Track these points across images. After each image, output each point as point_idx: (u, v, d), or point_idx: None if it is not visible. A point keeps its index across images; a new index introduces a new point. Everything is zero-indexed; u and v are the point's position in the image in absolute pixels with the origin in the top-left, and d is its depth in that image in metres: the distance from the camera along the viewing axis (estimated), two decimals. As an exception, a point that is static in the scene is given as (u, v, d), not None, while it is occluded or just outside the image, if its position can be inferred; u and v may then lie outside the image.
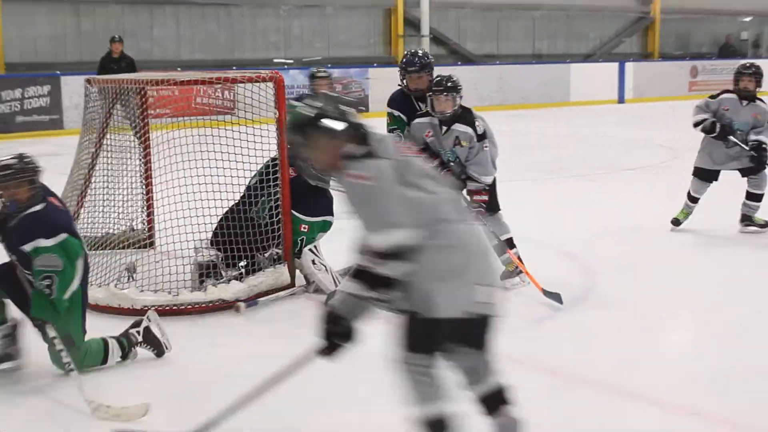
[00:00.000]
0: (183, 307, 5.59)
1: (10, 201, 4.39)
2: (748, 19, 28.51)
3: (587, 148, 13.28)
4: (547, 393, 4.62)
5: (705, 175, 8.09)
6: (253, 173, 6.24)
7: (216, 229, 6.11)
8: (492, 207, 6.41)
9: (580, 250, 7.37)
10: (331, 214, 6.26)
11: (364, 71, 18.65)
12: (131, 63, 13.20)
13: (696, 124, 8.01)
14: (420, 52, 6.65)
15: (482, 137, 6.22)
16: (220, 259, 5.98)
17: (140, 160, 6.62)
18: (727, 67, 25.35)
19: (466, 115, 6.27)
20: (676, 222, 8.20)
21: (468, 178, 6.23)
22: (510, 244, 6.45)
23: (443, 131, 6.22)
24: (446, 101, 6.15)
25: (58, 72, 15.46)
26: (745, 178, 8.11)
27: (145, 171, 6.65)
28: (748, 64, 8.28)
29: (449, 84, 6.18)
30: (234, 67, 16.25)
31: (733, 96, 7.96)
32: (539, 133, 16.13)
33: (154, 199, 6.55)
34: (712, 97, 8.10)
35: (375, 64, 19.29)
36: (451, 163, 6.26)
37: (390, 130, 6.40)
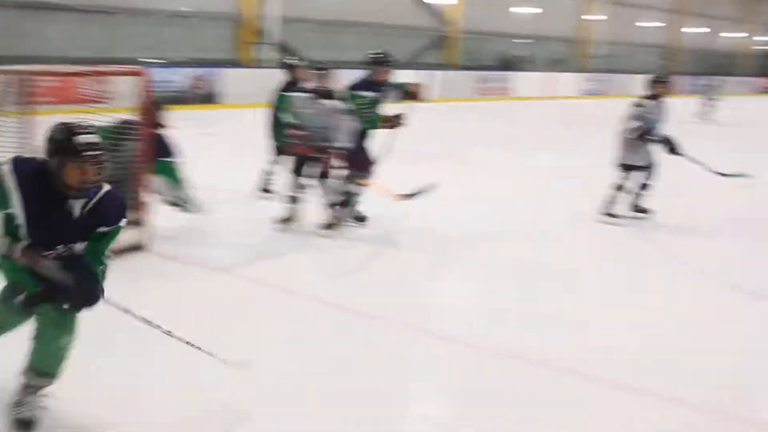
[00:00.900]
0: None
1: (88, 182, 3.18)
2: (525, 41, 30.27)
3: (400, 138, 13.66)
4: (356, 331, 4.78)
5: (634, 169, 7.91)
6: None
7: None
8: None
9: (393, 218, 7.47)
10: None
11: (218, 71, 19.10)
12: None
13: (632, 132, 7.79)
14: (384, 51, 7.20)
15: (346, 112, 6.78)
16: None
17: (23, 140, 6.13)
18: (507, 77, 27.27)
19: (335, 94, 6.84)
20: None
21: (326, 142, 6.65)
22: (344, 203, 6.95)
23: (319, 103, 6.71)
24: (324, 78, 6.93)
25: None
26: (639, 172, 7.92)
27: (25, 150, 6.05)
28: (660, 75, 8.22)
29: (325, 66, 7.12)
30: (112, 65, 16.60)
31: (653, 101, 7.88)
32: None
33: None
34: (639, 105, 7.89)
35: (229, 66, 19.83)
36: (317, 130, 6.67)
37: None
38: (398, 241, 6.99)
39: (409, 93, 7.06)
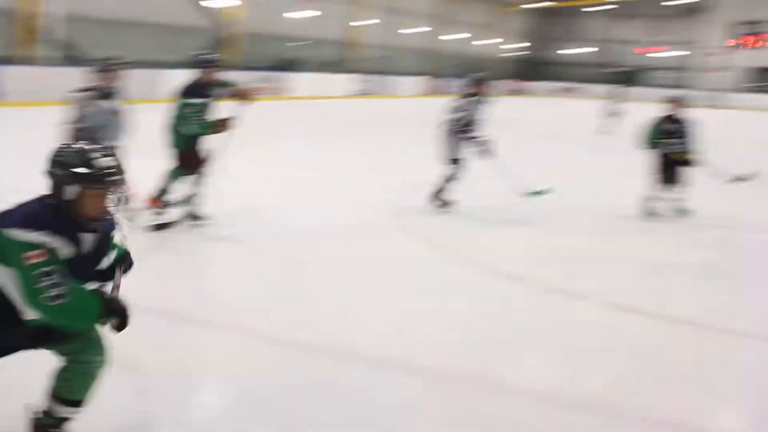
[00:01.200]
0: None
1: (107, 212, 2.79)
2: (301, 43, 31.02)
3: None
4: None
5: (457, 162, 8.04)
6: None
7: None
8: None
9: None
10: None
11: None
12: None
13: (454, 123, 7.94)
14: (209, 53, 7.07)
15: (121, 112, 6.78)
16: None
17: None
18: (283, 78, 27.68)
19: (114, 93, 6.78)
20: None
21: (103, 138, 6.41)
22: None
23: (101, 102, 6.58)
24: (113, 77, 6.67)
25: None
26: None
27: None
28: (479, 75, 8.21)
29: (115, 65, 6.72)
30: None
31: (472, 99, 8.02)
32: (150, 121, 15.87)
33: None
34: (460, 101, 8.00)
35: (5, 63, 18.93)
36: (94, 127, 6.49)
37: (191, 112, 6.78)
38: (182, 234, 6.90)
39: (238, 92, 7.00)
